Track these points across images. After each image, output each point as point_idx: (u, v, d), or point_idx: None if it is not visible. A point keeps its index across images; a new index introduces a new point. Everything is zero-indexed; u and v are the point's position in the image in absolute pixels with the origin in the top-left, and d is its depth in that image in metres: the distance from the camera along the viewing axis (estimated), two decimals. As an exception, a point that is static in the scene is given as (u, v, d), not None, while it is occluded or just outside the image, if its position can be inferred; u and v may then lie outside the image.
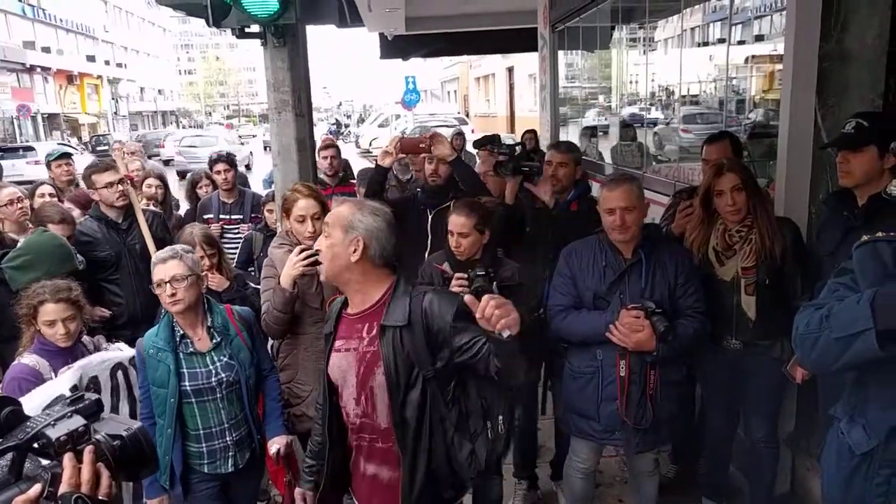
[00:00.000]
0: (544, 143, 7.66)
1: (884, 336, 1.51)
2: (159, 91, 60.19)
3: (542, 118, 8.52)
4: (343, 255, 1.91)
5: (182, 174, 17.51)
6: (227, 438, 2.53)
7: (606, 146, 7.17)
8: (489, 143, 5.15)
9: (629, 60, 6.59)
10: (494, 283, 2.60)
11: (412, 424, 1.91)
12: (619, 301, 2.60)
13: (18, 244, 3.29)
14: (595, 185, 3.92)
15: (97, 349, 2.75)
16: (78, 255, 3.25)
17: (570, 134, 8.01)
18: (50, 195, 4.27)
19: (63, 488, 1.03)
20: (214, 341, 2.53)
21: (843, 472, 1.81)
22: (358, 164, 10.84)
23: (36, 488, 1.02)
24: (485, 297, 1.65)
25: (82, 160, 9.03)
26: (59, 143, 28.51)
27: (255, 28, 3.77)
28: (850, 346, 1.57)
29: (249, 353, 2.60)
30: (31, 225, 3.61)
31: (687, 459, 3.55)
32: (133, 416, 2.61)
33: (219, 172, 4.97)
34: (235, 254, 4.49)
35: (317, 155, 5.94)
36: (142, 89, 54.85)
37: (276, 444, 2.64)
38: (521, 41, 10.14)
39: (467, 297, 1.71)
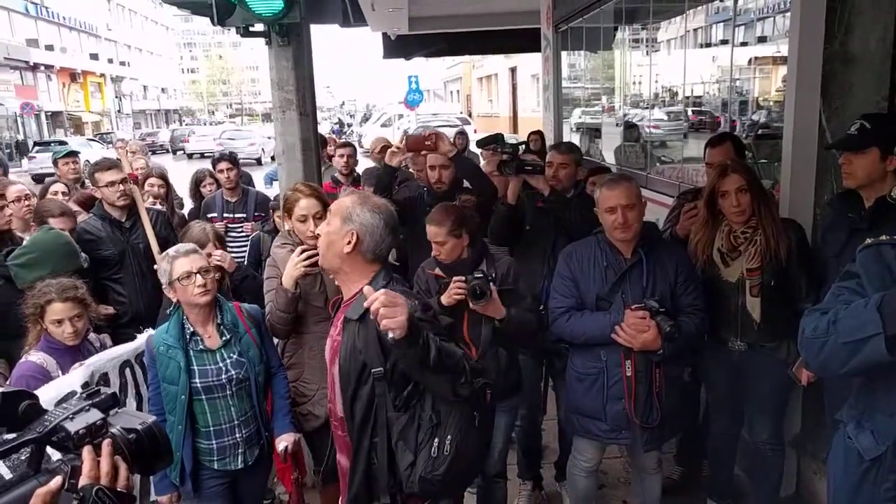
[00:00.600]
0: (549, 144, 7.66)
1: (893, 341, 1.51)
2: (162, 89, 60.28)
3: (545, 119, 8.53)
4: (338, 244, 1.93)
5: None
6: (237, 435, 2.54)
7: (610, 147, 7.18)
8: (493, 142, 5.14)
9: (632, 61, 6.60)
10: (492, 283, 2.57)
11: (359, 419, 1.91)
12: (622, 301, 2.60)
13: (24, 242, 3.30)
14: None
15: (103, 347, 2.76)
16: (82, 253, 3.26)
17: (572, 135, 8.02)
18: (63, 193, 4.27)
19: (83, 481, 1.04)
20: (224, 338, 2.53)
21: (851, 477, 1.80)
22: (361, 164, 10.82)
23: (57, 480, 1.03)
24: (377, 292, 1.65)
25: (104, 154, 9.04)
26: (88, 139, 28.91)
27: (259, 27, 3.78)
28: (859, 350, 1.57)
29: (259, 351, 2.61)
30: (33, 222, 3.61)
31: (691, 461, 3.55)
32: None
33: (222, 171, 4.96)
34: (238, 253, 4.49)
35: (327, 153, 6.00)
36: (145, 88, 54.96)
37: (283, 442, 2.65)
38: (525, 41, 10.16)
39: (366, 289, 1.71)
